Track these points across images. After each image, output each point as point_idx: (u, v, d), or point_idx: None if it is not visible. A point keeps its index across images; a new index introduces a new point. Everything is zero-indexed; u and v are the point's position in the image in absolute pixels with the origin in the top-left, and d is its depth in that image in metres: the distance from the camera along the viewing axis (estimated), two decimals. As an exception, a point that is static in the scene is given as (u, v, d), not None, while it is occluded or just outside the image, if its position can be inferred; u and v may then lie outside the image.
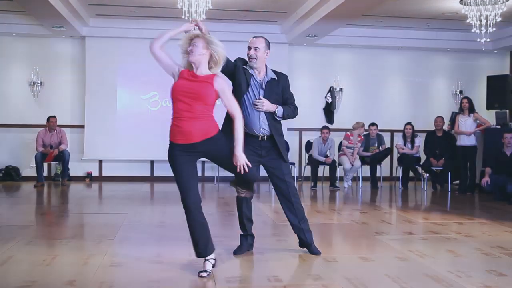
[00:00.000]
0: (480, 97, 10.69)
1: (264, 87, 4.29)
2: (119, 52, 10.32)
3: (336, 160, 9.73)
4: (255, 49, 4.26)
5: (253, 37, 4.33)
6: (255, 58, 4.25)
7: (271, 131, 4.28)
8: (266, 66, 4.36)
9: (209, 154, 3.78)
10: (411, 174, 9.81)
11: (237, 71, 4.26)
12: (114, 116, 10.27)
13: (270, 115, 4.28)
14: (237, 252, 4.42)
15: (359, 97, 11.18)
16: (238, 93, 4.24)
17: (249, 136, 4.21)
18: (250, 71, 4.30)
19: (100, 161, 10.43)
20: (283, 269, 3.99)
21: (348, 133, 9.83)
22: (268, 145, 4.30)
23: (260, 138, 4.28)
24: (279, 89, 4.35)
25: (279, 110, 4.28)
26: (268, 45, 4.34)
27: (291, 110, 4.39)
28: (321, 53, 10.98)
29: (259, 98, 4.24)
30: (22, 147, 10.27)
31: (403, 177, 9.79)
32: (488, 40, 8.24)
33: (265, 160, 4.35)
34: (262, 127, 4.26)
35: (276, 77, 4.35)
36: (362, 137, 9.83)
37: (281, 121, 4.39)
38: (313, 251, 4.40)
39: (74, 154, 10.11)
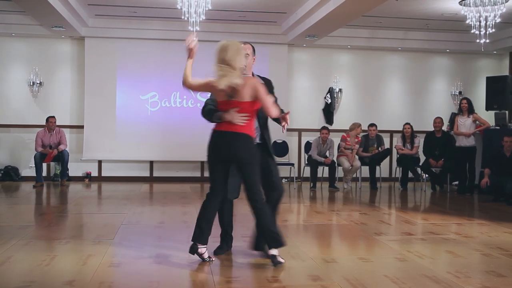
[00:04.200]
0: (479, 98, 10.71)
1: None
2: (119, 52, 10.32)
3: (336, 161, 9.74)
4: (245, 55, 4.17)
5: (241, 44, 4.19)
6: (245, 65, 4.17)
7: (265, 138, 4.27)
8: (253, 73, 4.30)
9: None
10: (410, 174, 9.80)
11: None
12: (114, 117, 10.26)
13: (263, 123, 4.27)
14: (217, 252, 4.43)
15: (358, 98, 11.19)
16: None
17: None
18: None
19: (99, 162, 10.43)
20: (282, 270, 3.99)
21: (345, 134, 9.83)
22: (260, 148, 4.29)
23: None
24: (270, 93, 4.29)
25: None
26: (255, 51, 4.31)
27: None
28: (320, 53, 10.97)
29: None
30: (21, 147, 10.27)
31: (402, 178, 9.80)
32: (487, 41, 8.24)
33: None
34: (257, 136, 4.24)
35: (263, 82, 4.25)
36: (360, 138, 9.83)
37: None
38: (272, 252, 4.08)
39: (73, 154, 10.12)
